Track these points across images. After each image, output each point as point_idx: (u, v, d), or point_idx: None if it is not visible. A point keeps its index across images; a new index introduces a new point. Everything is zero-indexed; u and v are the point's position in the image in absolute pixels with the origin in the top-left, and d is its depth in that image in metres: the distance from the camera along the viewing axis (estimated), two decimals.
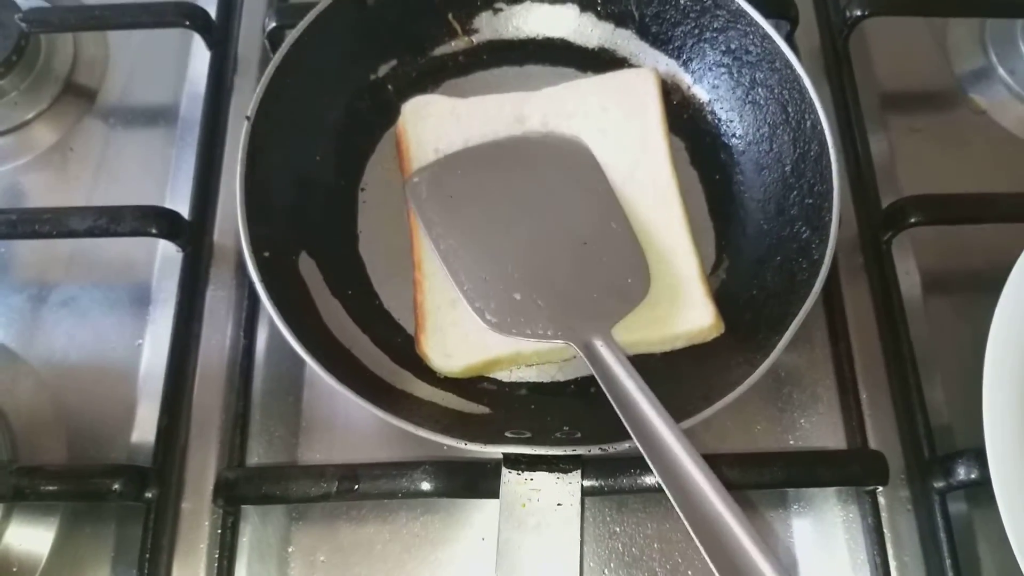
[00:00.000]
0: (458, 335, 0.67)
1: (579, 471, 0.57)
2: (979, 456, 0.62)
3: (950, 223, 0.75)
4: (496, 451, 0.56)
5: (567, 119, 0.75)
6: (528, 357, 0.68)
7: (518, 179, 0.73)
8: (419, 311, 0.69)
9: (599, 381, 0.59)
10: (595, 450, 0.55)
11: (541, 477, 0.57)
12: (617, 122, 0.75)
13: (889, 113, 0.85)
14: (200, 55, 0.86)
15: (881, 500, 0.67)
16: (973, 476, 0.64)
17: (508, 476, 0.57)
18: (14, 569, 0.65)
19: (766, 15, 0.73)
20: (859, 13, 0.82)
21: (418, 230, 0.71)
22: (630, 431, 0.55)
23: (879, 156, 0.81)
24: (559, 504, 0.56)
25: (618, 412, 0.56)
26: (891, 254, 0.75)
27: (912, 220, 0.73)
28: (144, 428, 0.70)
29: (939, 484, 0.66)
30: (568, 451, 0.56)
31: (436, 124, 0.76)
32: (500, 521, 0.56)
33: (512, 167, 0.73)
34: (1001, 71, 0.86)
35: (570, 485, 0.56)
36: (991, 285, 0.65)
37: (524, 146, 0.75)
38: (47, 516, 0.67)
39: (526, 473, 0.57)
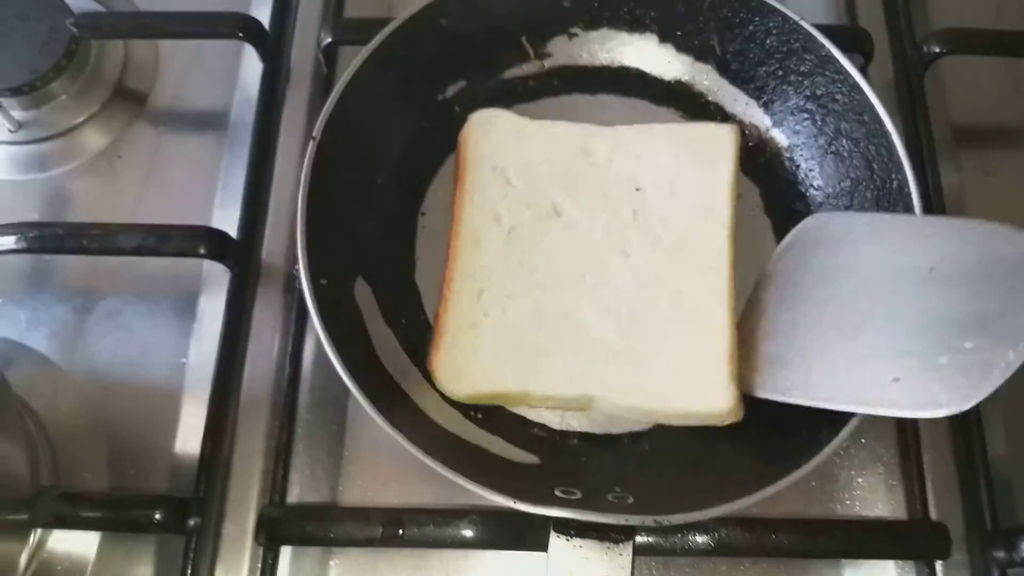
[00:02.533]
0: (472, 360, 0.65)
1: (631, 542, 0.55)
2: None
3: None
4: (544, 513, 0.54)
5: (634, 161, 0.72)
6: (537, 399, 0.66)
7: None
8: (438, 326, 0.67)
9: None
10: (649, 521, 0.53)
11: (591, 545, 0.55)
12: (685, 178, 0.71)
13: (962, 151, 0.82)
14: (252, 60, 0.84)
15: (940, 570, 0.64)
16: None
17: (556, 541, 0.55)
18: None
19: (842, 49, 0.69)
20: (937, 50, 0.79)
21: (458, 240, 0.70)
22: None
23: (951, 198, 0.78)
24: None
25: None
26: None
27: None
28: (186, 450, 0.69)
29: (1001, 556, 0.63)
30: (621, 520, 0.54)
31: (500, 140, 0.73)
32: None
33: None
34: None
35: (620, 557, 0.54)
36: None
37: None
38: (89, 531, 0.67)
39: (576, 540, 0.55)
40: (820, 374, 0.58)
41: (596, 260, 0.69)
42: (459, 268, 0.69)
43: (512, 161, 0.73)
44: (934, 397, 0.52)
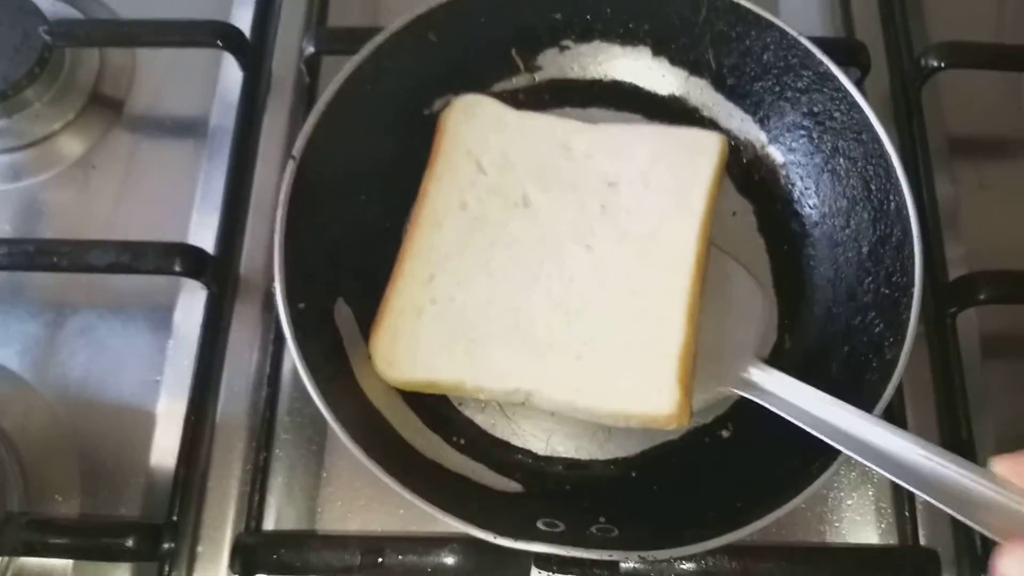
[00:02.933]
0: (409, 346, 0.63)
1: None
2: None
3: (1022, 303, 0.70)
4: (525, 548, 0.53)
5: (612, 158, 0.70)
6: (470, 391, 0.63)
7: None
8: (383, 307, 0.65)
9: (775, 410, 0.58)
10: (633, 557, 0.52)
11: None
12: (661, 175, 0.69)
13: (957, 165, 0.80)
14: (232, 67, 0.82)
15: None
16: None
17: None
18: None
19: (838, 62, 0.67)
20: (935, 64, 0.77)
21: (418, 222, 0.68)
22: (835, 444, 0.54)
23: (945, 212, 0.76)
24: None
25: (812, 431, 0.55)
26: (956, 328, 0.71)
27: (981, 297, 0.69)
28: (160, 468, 0.68)
29: None
30: (605, 556, 0.52)
31: (479, 126, 0.72)
32: None
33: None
34: None
35: None
36: None
37: None
38: None
39: (558, 575, 0.53)
40: None
41: (557, 252, 0.66)
42: (414, 250, 0.67)
43: (488, 149, 0.71)
44: None
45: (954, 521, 0.65)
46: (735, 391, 0.61)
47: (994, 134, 0.83)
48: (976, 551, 0.64)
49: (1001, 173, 0.81)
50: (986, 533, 0.47)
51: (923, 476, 0.51)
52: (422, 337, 0.64)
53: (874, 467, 0.53)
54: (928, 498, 0.50)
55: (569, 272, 0.65)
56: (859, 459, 0.53)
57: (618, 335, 0.63)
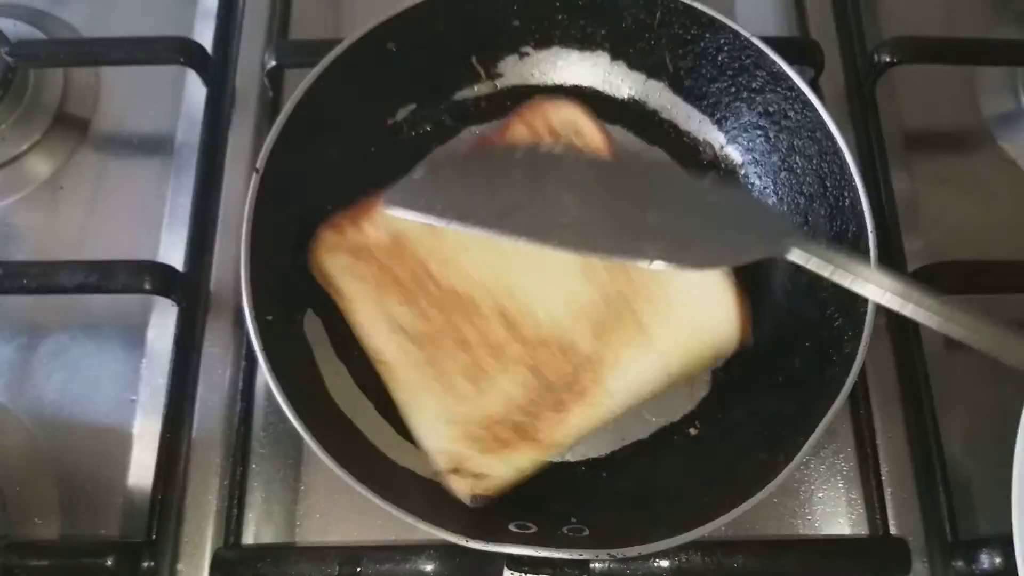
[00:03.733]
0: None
1: None
2: (1004, 544, 0.60)
3: (980, 292, 0.72)
4: (497, 550, 0.54)
5: None
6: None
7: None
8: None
9: (825, 276, 0.57)
10: (603, 555, 0.53)
11: None
12: None
13: (914, 159, 0.82)
14: (196, 84, 0.82)
15: None
16: (997, 564, 0.62)
17: None
18: None
19: (790, 60, 0.69)
20: (888, 60, 0.78)
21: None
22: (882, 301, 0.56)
23: (903, 205, 0.78)
24: None
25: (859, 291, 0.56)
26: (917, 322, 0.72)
27: (941, 287, 0.70)
28: (138, 489, 0.68)
29: (959, 566, 0.64)
30: (575, 555, 0.53)
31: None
32: None
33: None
34: None
35: None
36: None
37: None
38: None
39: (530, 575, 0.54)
40: None
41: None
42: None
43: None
44: None
45: (924, 511, 0.67)
46: (785, 256, 0.59)
47: (950, 128, 0.84)
48: (946, 538, 0.65)
49: (958, 166, 0.82)
50: None
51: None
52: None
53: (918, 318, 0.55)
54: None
55: None
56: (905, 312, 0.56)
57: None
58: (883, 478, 0.68)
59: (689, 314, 0.65)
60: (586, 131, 0.70)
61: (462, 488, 0.60)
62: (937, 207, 0.79)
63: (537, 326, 0.64)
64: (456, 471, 0.61)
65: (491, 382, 0.63)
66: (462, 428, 0.62)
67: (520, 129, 0.70)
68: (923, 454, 0.68)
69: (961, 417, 0.71)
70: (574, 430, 0.63)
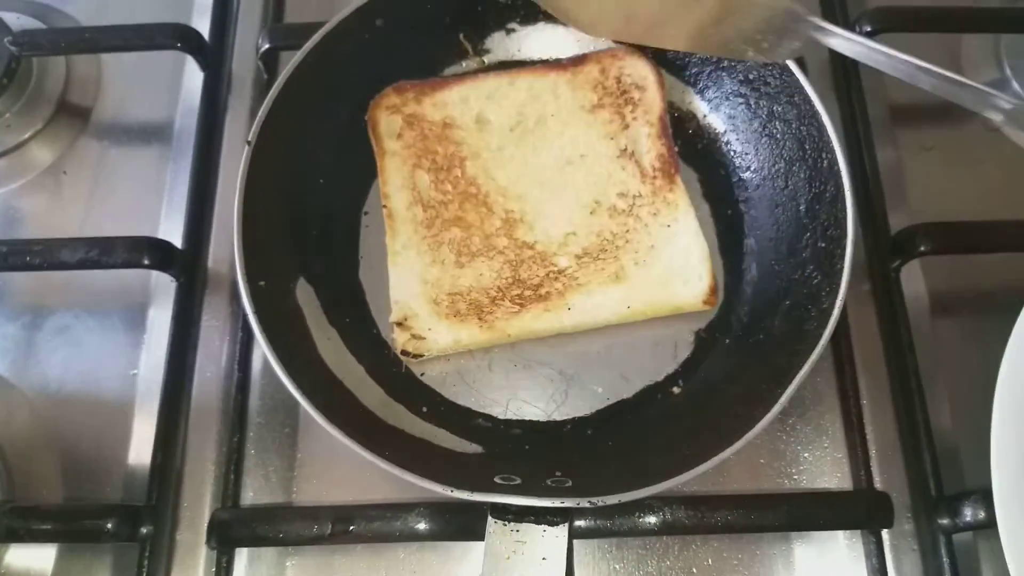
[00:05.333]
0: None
1: (567, 524, 0.55)
2: (987, 497, 0.60)
3: (960, 252, 0.73)
4: (482, 500, 0.55)
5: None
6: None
7: None
8: None
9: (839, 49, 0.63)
10: (584, 503, 0.54)
11: (528, 529, 0.55)
12: None
13: (899, 129, 0.83)
14: (194, 71, 0.85)
15: (886, 538, 0.65)
16: (980, 517, 0.62)
17: (494, 526, 0.55)
18: None
19: None
20: (870, 29, 0.80)
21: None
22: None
23: (888, 174, 0.79)
24: (544, 559, 0.54)
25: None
26: (899, 281, 0.73)
27: (922, 249, 0.71)
28: (139, 459, 0.70)
29: (945, 523, 0.64)
30: (556, 503, 0.54)
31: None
32: (484, 574, 0.55)
33: None
34: (1016, 85, 0.83)
35: (557, 539, 0.55)
36: (1005, 309, 0.63)
37: None
38: (46, 544, 0.67)
39: (512, 524, 0.55)
40: None
41: None
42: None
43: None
44: None
45: (908, 465, 0.68)
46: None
47: (933, 96, 0.84)
48: (930, 493, 0.66)
49: (943, 135, 0.83)
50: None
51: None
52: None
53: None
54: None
55: None
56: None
57: None
58: (868, 437, 0.68)
59: (664, 264, 0.69)
60: (648, 92, 0.75)
61: (399, 340, 0.68)
62: (923, 175, 0.80)
63: (531, 233, 0.72)
64: (401, 324, 0.68)
65: (471, 260, 0.71)
66: (429, 289, 0.69)
67: (592, 68, 0.76)
68: (907, 412, 0.69)
69: (944, 378, 0.71)
70: (523, 327, 0.68)
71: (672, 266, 0.69)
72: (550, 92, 0.75)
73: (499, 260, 0.70)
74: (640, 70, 0.75)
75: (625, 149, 0.73)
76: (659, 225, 0.70)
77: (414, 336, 0.67)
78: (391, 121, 0.75)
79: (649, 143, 0.73)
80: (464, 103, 0.75)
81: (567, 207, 0.72)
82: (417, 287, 0.69)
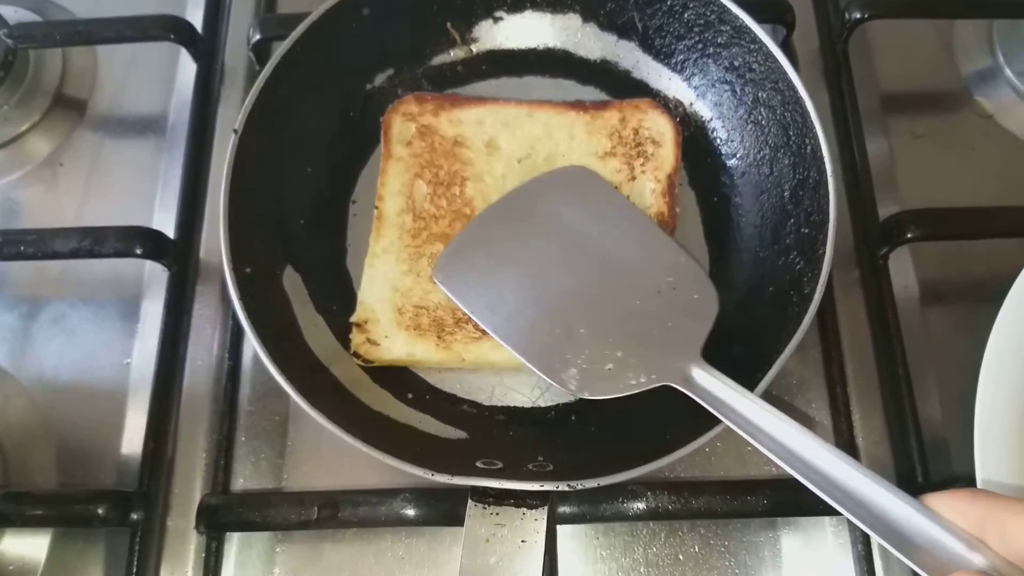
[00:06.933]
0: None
1: (546, 507, 0.56)
2: (973, 484, 0.60)
3: (948, 239, 0.72)
4: (462, 483, 0.55)
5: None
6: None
7: (541, 230, 0.69)
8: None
9: (712, 411, 0.55)
10: (563, 486, 0.54)
11: (507, 512, 0.55)
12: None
13: (890, 117, 0.82)
14: (188, 63, 0.85)
15: None
16: None
17: (474, 510, 0.56)
18: None
19: (761, 20, 0.70)
20: (859, 16, 0.79)
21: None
22: (768, 452, 0.52)
23: (879, 162, 0.78)
24: (523, 541, 0.55)
25: (745, 436, 0.53)
26: (888, 269, 0.73)
27: (909, 235, 0.71)
28: (132, 447, 0.71)
29: None
30: (535, 486, 0.55)
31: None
32: (463, 556, 0.55)
33: (530, 218, 0.70)
34: (1009, 73, 0.83)
35: (536, 522, 0.55)
36: (994, 296, 0.63)
37: (532, 193, 0.72)
38: (40, 531, 0.68)
39: (492, 507, 0.56)
40: None
41: None
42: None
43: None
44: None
45: (895, 449, 0.68)
46: (674, 386, 0.59)
47: (926, 85, 0.85)
48: (916, 479, 0.66)
49: (934, 122, 0.83)
50: (920, 572, 0.45)
51: (858, 499, 0.49)
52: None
53: (807, 483, 0.51)
54: (856, 520, 0.48)
55: None
56: (793, 473, 0.51)
57: None
58: (855, 424, 0.69)
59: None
60: (663, 148, 0.74)
61: (354, 341, 0.68)
62: (914, 162, 0.80)
63: None
64: (360, 326, 0.68)
65: None
66: (398, 297, 0.69)
67: (612, 115, 0.76)
68: (894, 399, 0.69)
69: (933, 365, 0.71)
70: (480, 355, 0.67)
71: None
72: (566, 131, 0.75)
73: None
74: (660, 126, 0.75)
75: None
76: None
77: (369, 340, 0.67)
78: (405, 127, 0.75)
79: (652, 199, 0.72)
80: (479, 125, 0.75)
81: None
82: (387, 292, 0.69)
